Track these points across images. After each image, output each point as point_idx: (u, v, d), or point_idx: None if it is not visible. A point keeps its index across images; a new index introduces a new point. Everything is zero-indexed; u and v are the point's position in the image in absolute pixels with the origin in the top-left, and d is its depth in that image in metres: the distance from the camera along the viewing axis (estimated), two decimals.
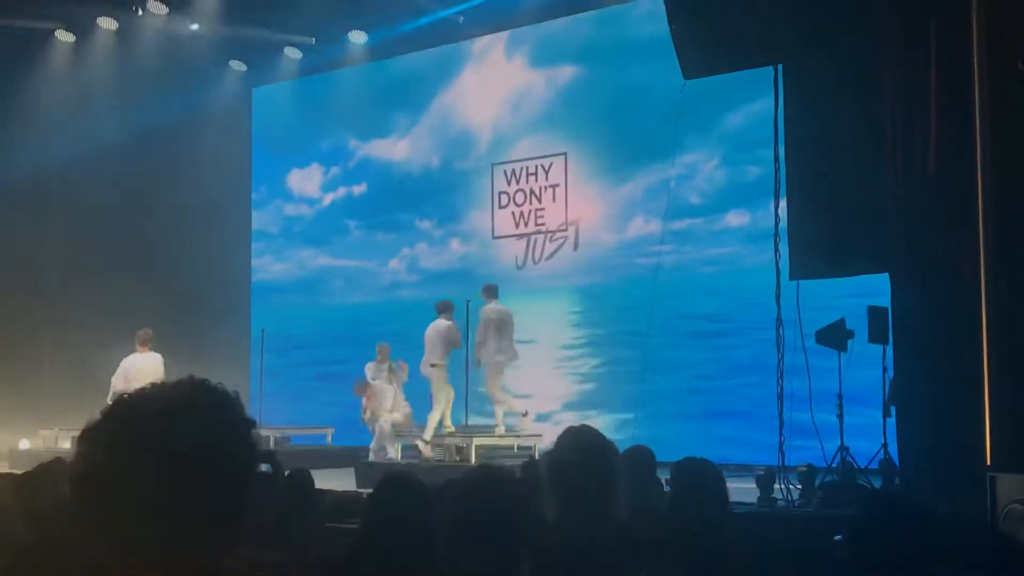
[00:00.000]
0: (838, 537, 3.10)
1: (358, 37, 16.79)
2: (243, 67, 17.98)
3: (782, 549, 3.31)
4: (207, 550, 1.62)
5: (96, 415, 1.70)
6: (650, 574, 3.22)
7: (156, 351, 13.24)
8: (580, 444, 3.34)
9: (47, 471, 3.82)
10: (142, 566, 1.57)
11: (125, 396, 1.72)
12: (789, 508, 8.49)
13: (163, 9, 15.97)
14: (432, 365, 12.30)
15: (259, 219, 19.00)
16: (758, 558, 4.36)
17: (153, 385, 1.74)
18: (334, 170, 18.27)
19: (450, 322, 12.47)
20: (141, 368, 12.52)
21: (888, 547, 2.94)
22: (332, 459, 13.36)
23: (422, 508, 3.45)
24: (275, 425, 14.95)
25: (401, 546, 3.33)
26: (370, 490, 3.74)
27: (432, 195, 17.05)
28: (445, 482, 3.33)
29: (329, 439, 15.41)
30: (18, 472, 4.33)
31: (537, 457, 9.31)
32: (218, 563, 1.63)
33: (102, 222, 16.92)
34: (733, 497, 8.47)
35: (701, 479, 4.31)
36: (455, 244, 16.84)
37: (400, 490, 3.60)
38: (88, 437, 1.67)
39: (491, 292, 12.61)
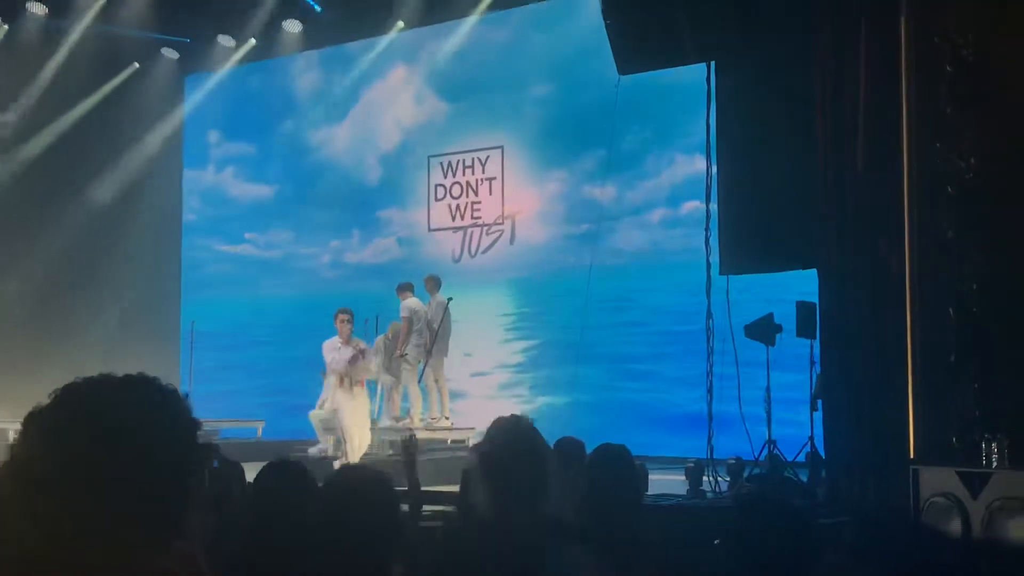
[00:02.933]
0: (717, 541, 3.12)
1: (293, 26, 16.64)
2: (175, 55, 17.74)
3: (707, 540, 3.35)
4: (142, 545, 1.61)
5: (43, 401, 1.69)
6: (569, 562, 3.23)
7: (85, 345, 13.03)
8: (509, 435, 3.33)
9: None
10: (74, 556, 1.56)
11: (74, 384, 1.70)
12: (717, 500, 8.59)
13: None
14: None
15: (190, 210, 18.77)
16: (684, 548, 4.40)
17: (102, 376, 1.73)
18: (268, 160, 18.09)
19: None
20: None
21: (761, 551, 2.97)
22: (262, 453, 13.22)
23: (304, 495, 3.45)
24: (204, 418, 14.78)
25: (280, 533, 3.33)
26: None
27: (367, 187, 16.96)
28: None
29: (259, 432, 15.27)
30: None
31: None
32: (151, 558, 1.62)
33: (27, 211, 16.57)
34: (663, 489, 8.64)
35: (616, 466, 4.35)
36: (390, 237, 16.77)
37: (282, 477, 3.60)
38: (32, 422, 1.66)
39: (404, 288, 12.81)
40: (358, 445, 11.20)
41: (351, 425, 11.24)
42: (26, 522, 1.59)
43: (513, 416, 3.54)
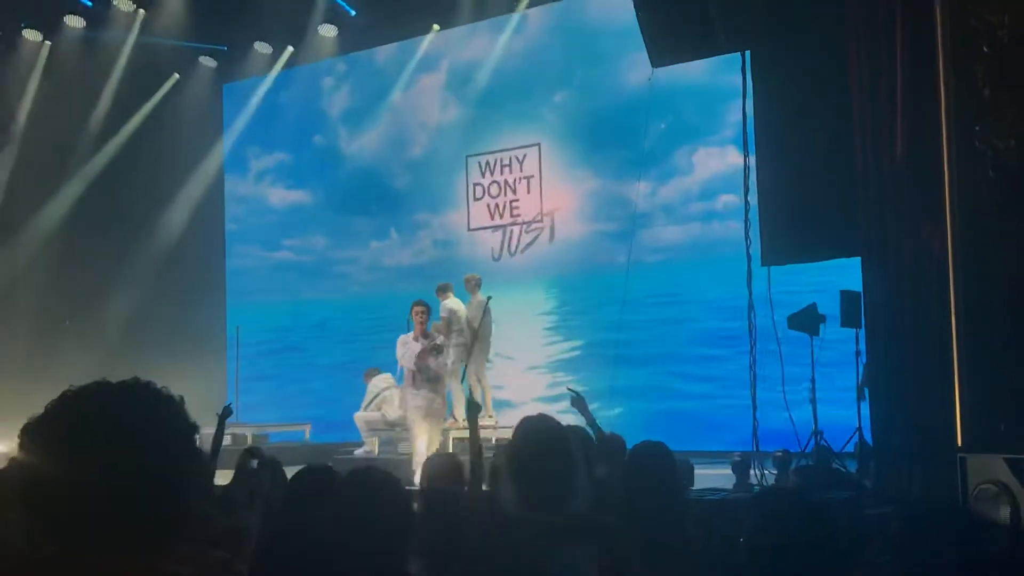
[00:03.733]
0: (741, 540, 3.07)
1: (328, 31, 16.73)
2: (213, 63, 17.91)
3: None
4: (142, 550, 1.61)
5: (40, 410, 1.69)
6: (607, 560, 3.22)
7: (132, 351, 13.16)
8: (534, 433, 3.33)
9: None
10: (74, 563, 1.56)
11: (70, 392, 1.71)
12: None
13: (131, 6, 15.91)
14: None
15: (232, 218, 18.91)
16: (729, 543, 4.36)
17: (98, 384, 1.73)
18: (305, 165, 18.19)
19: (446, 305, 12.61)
20: None
21: (785, 548, 2.92)
22: (310, 455, 13.32)
23: (326, 500, 3.46)
24: (252, 423, 14.91)
25: (304, 538, 3.34)
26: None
27: (406, 188, 17.01)
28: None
29: (307, 435, 15.36)
30: None
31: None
32: (156, 564, 1.62)
33: (76, 220, 16.82)
34: (709, 484, 8.59)
35: (654, 464, 4.32)
36: (429, 237, 16.81)
37: (314, 482, 3.61)
38: (29, 431, 1.67)
39: (443, 289, 12.77)
40: (424, 446, 10.55)
41: (415, 424, 10.75)
42: (25, 530, 1.60)
43: (539, 415, 3.54)
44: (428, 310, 11.01)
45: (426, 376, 10.69)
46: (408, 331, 11.12)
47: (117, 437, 1.64)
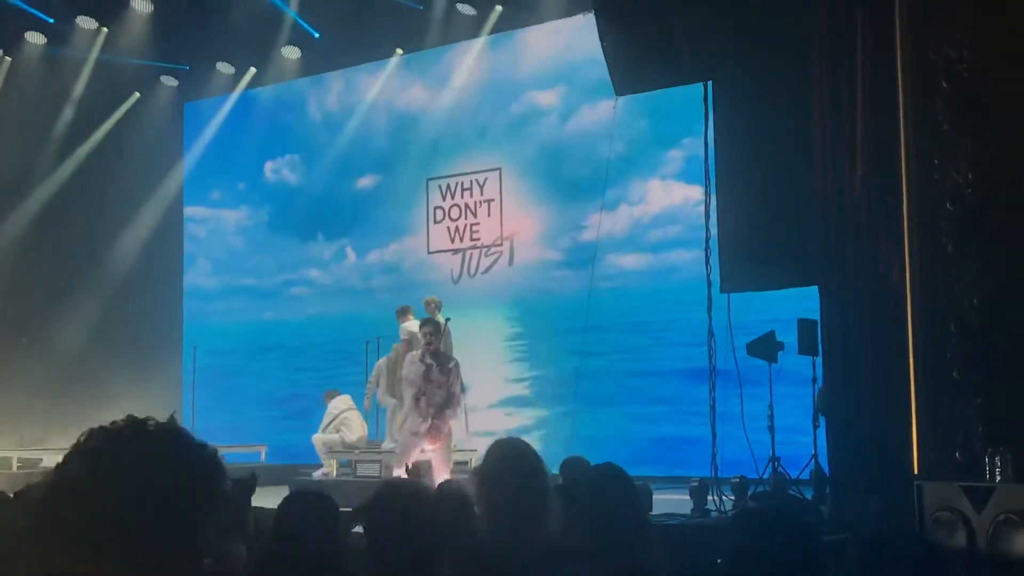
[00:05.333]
0: (720, 561, 3.11)
1: (292, 52, 16.73)
2: (174, 82, 17.84)
3: (712, 559, 3.35)
4: None
5: (72, 447, 1.73)
6: None
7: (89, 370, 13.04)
8: (506, 457, 3.35)
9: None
10: None
11: (101, 428, 1.74)
12: (721, 519, 8.58)
13: (92, 24, 15.83)
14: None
15: (190, 235, 18.80)
16: (689, 568, 4.40)
17: (130, 420, 1.77)
18: (265, 186, 18.13)
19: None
20: None
21: (762, 565, 2.96)
22: (266, 477, 13.21)
23: (330, 522, 3.46)
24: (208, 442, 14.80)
25: (306, 560, 3.33)
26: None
27: (366, 210, 16.99)
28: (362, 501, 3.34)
29: (263, 456, 15.26)
30: None
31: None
32: None
33: (33, 238, 16.67)
34: (667, 508, 8.64)
35: (612, 486, 4.34)
36: (389, 259, 16.79)
37: (306, 505, 3.60)
38: (62, 466, 1.71)
39: (403, 311, 12.78)
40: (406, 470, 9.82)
41: (407, 451, 10.08)
42: (52, 563, 1.63)
43: (510, 438, 3.56)
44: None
45: (430, 401, 10.00)
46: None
47: (151, 482, 1.68)
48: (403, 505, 2.99)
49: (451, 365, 10.09)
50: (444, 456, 10.09)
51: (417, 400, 9.94)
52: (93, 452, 1.71)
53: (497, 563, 3.07)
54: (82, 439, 1.72)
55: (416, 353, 10.21)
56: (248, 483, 5.04)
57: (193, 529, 1.72)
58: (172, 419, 1.81)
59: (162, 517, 1.67)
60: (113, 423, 1.75)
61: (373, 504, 3.06)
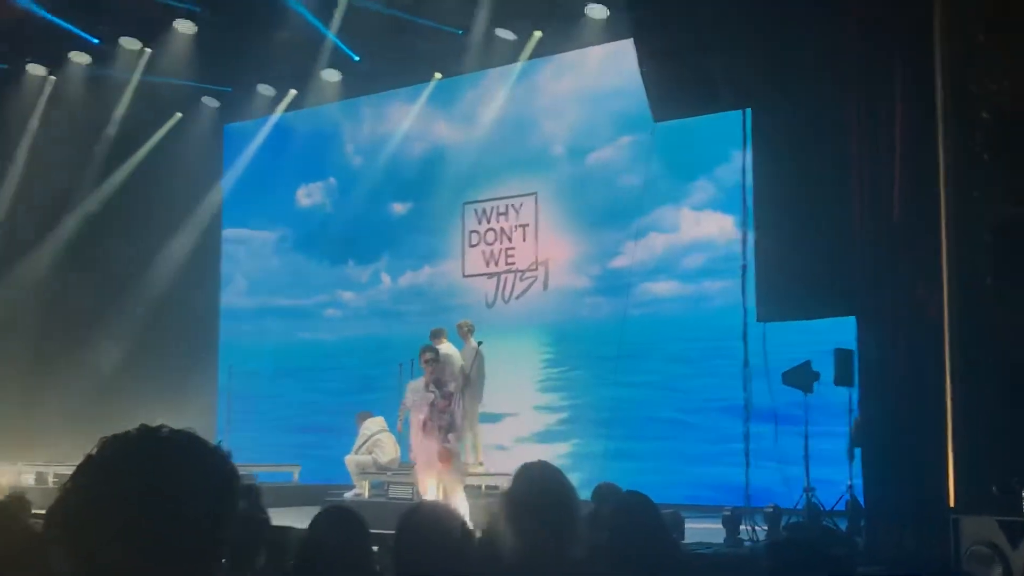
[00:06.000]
0: None
1: (332, 75, 16.86)
2: (216, 103, 18.02)
3: None
4: None
5: (84, 457, 1.73)
6: None
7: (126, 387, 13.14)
8: (534, 481, 3.34)
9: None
10: None
11: (114, 437, 1.74)
12: (754, 548, 8.51)
13: (136, 44, 16.03)
14: None
15: (228, 255, 18.95)
16: None
17: (144, 429, 1.77)
18: (306, 206, 18.25)
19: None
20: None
21: None
22: (300, 497, 13.26)
23: (360, 541, 3.46)
24: (241, 462, 14.85)
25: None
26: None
27: (402, 233, 17.06)
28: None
29: (296, 477, 15.31)
30: None
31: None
32: None
33: (74, 255, 16.88)
34: (700, 538, 8.59)
35: (641, 514, 4.33)
36: (424, 282, 16.84)
37: (337, 523, 3.60)
38: (78, 474, 1.70)
39: (437, 334, 12.78)
40: (432, 495, 10.08)
41: (422, 473, 10.42)
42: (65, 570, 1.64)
43: (539, 461, 3.54)
44: (437, 356, 10.70)
45: (438, 424, 10.32)
46: (414, 377, 10.92)
47: (166, 489, 1.68)
48: (434, 528, 2.99)
49: (451, 390, 10.45)
50: (456, 477, 10.39)
51: (424, 425, 10.31)
52: (104, 460, 1.71)
53: None
54: (95, 449, 1.73)
55: (418, 381, 10.62)
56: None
57: (209, 536, 1.72)
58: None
59: (176, 524, 1.67)
60: (126, 431, 1.75)
61: (403, 526, 3.07)
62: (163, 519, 1.66)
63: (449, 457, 10.29)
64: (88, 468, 1.70)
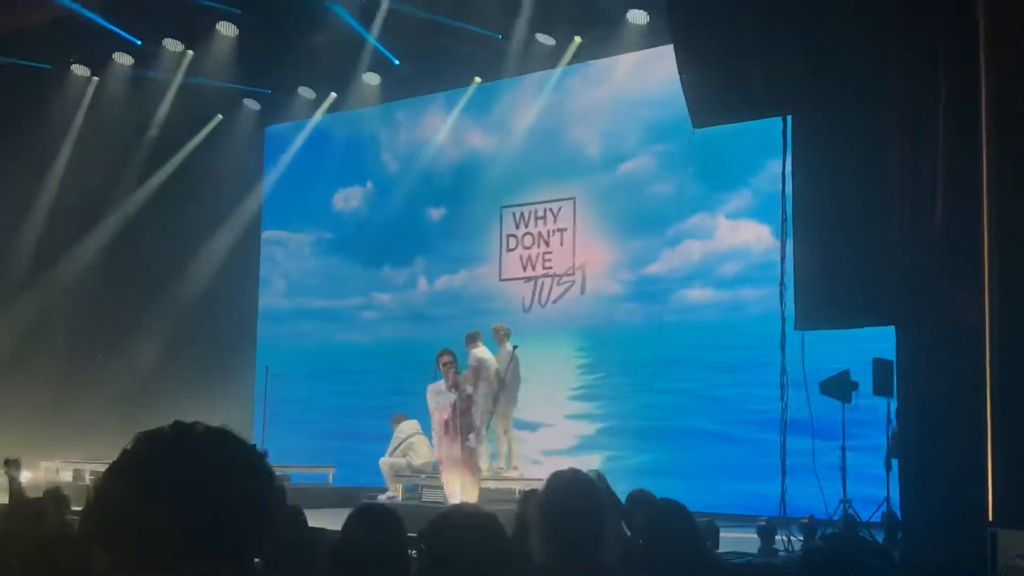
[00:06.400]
0: None
1: (372, 79, 16.92)
2: (257, 105, 18.14)
3: None
4: None
5: (119, 453, 1.72)
6: None
7: (162, 386, 13.22)
8: (567, 487, 3.33)
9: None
10: None
11: (147, 433, 1.74)
12: (789, 558, 8.44)
13: (179, 46, 16.17)
14: None
15: (268, 256, 19.06)
16: None
17: (178, 426, 1.76)
18: (345, 209, 18.33)
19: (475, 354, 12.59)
20: None
21: None
22: (334, 499, 13.30)
23: (396, 540, 3.45)
24: (276, 463, 14.91)
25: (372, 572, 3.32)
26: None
27: (440, 236, 17.10)
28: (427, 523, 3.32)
29: (330, 478, 15.36)
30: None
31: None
32: None
33: (113, 255, 17.06)
34: (734, 547, 8.53)
35: (675, 521, 4.31)
36: (461, 286, 16.86)
37: (372, 521, 3.60)
38: (112, 470, 1.70)
39: (472, 338, 12.78)
40: (457, 496, 10.42)
41: (447, 473, 10.69)
42: (102, 569, 1.63)
43: (572, 469, 3.54)
44: (454, 360, 10.91)
45: (460, 426, 10.59)
46: (434, 379, 11.08)
47: (201, 484, 1.67)
48: (468, 529, 2.98)
49: (469, 391, 10.84)
50: (475, 479, 10.73)
51: (447, 427, 10.62)
52: (138, 457, 1.70)
53: None
54: (128, 445, 1.73)
55: (439, 384, 10.86)
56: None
57: (245, 535, 1.70)
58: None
59: (211, 522, 1.66)
60: (160, 428, 1.74)
61: (438, 527, 3.06)
62: (197, 517, 1.65)
63: (471, 459, 10.62)
64: (122, 465, 1.70)
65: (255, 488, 1.73)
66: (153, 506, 1.64)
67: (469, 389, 10.93)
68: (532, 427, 14.62)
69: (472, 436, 10.61)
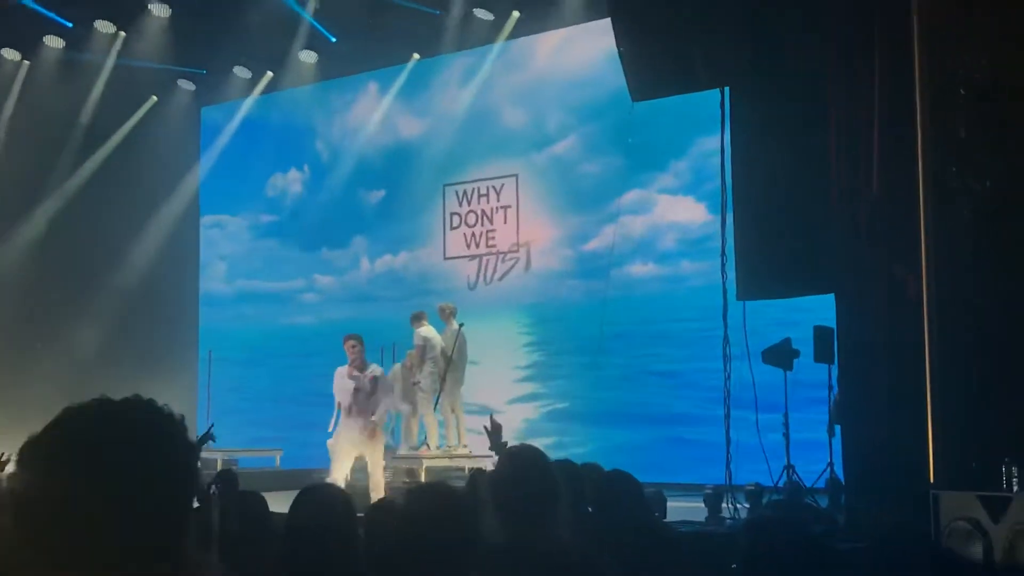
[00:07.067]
0: (734, 566, 3.10)
1: (309, 57, 16.75)
2: (191, 86, 17.89)
3: (726, 566, 3.36)
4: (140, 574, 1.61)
5: (38, 429, 1.68)
6: None
7: (103, 374, 13.05)
8: (521, 463, 3.34)
9: None
10: None
11: (70, 409, 1.70)
12: (736, 526, 8.54)
13: (111, 28, 15.90)
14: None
15: (207, 239, 18.86)
16: (703, 573, 4.39)
17: (99, 401, 1.73)
18: (284, 190, 18.17)
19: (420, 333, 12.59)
20: None
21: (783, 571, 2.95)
22: (281, 482, 13.20)
23: (345, 519, 3.44)
24: (222, 447, 14.80)
25: (322, 558, 3.32)
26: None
27: (382, 216, 17.01)
28: (386, 502, 3.32)
29: (277, 461, 15.27)
30: None
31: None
32: None
33: (50, 241, 16.75)
34: (681, 516, 8.61)
35: (623, 492, 4.35)
36: (405, 265, 16.80)
37: (321, 502, 3.59)
38: (28, 448, 1.66)
39: (417, 317, 12.76)
40: (343, 476, 10.51)
41: (339, 453, 10.71)
42: (22, 553, 1.59)
43: (523, 444, 3.55)
44: (360, 342, 10.78)
45: (362, 409, 10.52)
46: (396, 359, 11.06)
47: (117, 456, 1.63)
48: (435, 505, 2.96)
49: (373, 375, 10.65)
50: (381, 454, 10.76)
51: (349, 410, 10.52)
52: (60, 425, 1.67)
53: (506, 568, 3.05)
54: (52, 421, 1.68)
55: (344, 368, 10.68)
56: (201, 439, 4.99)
57: (170, 509, 1.68)
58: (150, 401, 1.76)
59: (134, 495, 1.62)
60: (86, 402, 1.70)
61: (405, 503, 3.04)
62: (119, 490, 1.61)
63: (375, 432, 10.56)
64: (37, 443, 1.66)
65: (179, 460, 1.70)
66: (71, 481, 1.61)
67: (376, 372, 10.81)
68: (480, 412, 14.62)
69: (378, 414, 10.54)
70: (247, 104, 17.99)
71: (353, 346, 10.69)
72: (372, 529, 3.63)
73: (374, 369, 10.85)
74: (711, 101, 9.71)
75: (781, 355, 9.60)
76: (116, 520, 1.60)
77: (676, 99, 10.87)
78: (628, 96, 9.81)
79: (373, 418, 10.47)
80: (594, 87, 14.63)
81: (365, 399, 10.55)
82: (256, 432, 16.13)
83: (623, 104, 10.32)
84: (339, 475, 10.46)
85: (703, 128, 10.83)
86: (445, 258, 16.30)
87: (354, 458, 10.69)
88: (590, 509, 4.55)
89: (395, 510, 3.10)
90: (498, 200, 15.84)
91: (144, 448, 1.66)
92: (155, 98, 17.66)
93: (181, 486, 1.70)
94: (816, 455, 9.76)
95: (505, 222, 15.78)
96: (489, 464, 11.76)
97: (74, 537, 1.59)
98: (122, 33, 16.04)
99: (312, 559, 3.33)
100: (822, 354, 9.22)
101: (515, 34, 15.57)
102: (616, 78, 10.11)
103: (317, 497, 3.72)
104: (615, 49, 9.60)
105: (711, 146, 9.85)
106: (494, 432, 5.15)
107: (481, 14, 15.22)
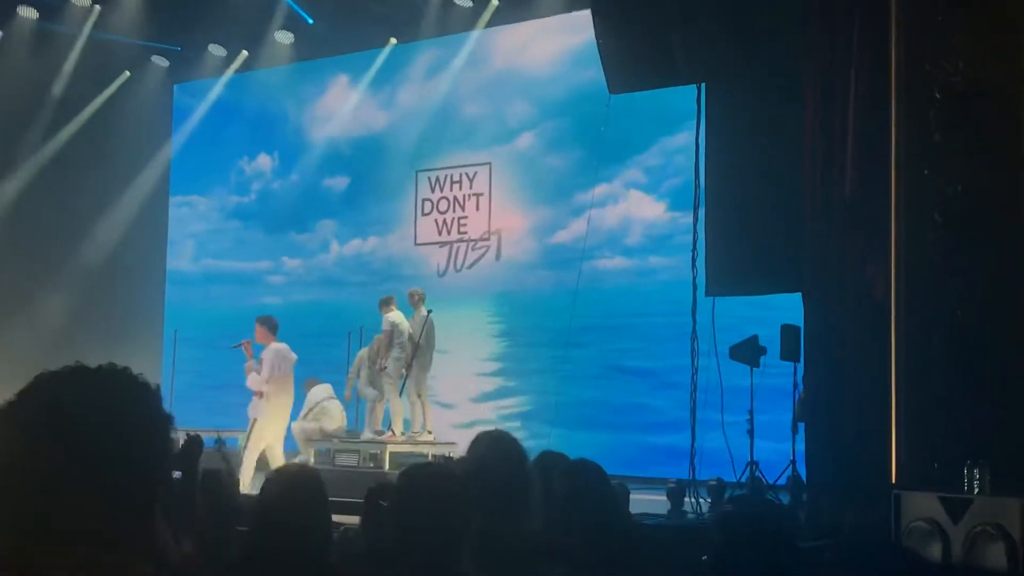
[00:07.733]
0: (704, 557, 3.12)
1: (285, 37, 16.63)
2: (165, 63, 17.72)
3: (690, 558, 3.37)
4: (115, 546, 1.59)
5: (10, 396, 1.66)
6: None
7: (68, 351, 12.91)
8: (494, 449, 3.33)
9: None
10: (45, 559, 1.54)
11: (43, 376, 1.68)
12: (697, 521, 8.58)
13: (86, 1, 15.73)
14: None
15: (176, 217, 18.71)
16: (667, 565, 4.40)
17: (73, 368, 1.71)
18: (256, 170, 18.06)
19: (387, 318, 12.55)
20: None
21: (744, 567, 2.97)
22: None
23: (316, 500, 3.43)
24: (186, 427, 14.70)
25: (294, 540, 3.29)
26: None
27: (353, 200, 16.94)
28: (377, 484, 3.30)
29: (241, 442, 15.16)
30: None
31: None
32: (125, 561, 1.60)
33: (18, 214, 16.57)
34: (644, 509, 8.63)
35: (589, 481, 4.34)
36: (375, 250, 16.74)
37: (292, 483, 3.57)
38: (1, 417, 1.64)
39: (386, 302, 12.74)
40: (250, 464, 11.54)
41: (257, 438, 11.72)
42: None
43: (497, 430, 3.54)
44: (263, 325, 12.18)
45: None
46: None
47: (92, 422, 1.62)
48: (432, 487, 2.94)
49: (264, 356, 11.89)
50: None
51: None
52: (33, 396, 1.65)
53: (492, 552, 3.04)
54: (25, 387, 1.67)
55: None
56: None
57: (143, 476, 1.66)
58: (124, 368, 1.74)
59: (107, 462, 1.61)
60: (57, 369, 1.69)
61: (401, 484, 3.01)
62: (92, 456, 1.60)
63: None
64: (7, 410, 1.64)
65: (154, 428, 1.68)
66: (39, 448, 1.58)
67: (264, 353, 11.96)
68: (447, 405, 14.60)
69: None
70: (221, 82, 17.82)
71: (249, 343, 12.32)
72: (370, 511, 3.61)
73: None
74: (680, 98, 9.75)
75: (748, 352, 9.63)
76: (91, 487, 1.58)
77: (646, 96, 10.90)
78: (600, 90, 9.82)
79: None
80: (571, 78, 14.61)
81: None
82: (220, 412, 16.01)
83: (598, 97, 10.31)
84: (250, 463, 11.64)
85: (671, 125, 10.86)
86: (416, 244, 16.25)
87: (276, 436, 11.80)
88: (557, 496, 4.54)
89: (397, 490, 3.08)
90: (471, 187, 15.81)
91: (120, 415, 1.64)
92: (128, 73, 17.46)
93: (156, 455, 1.68)
94: (782, 453, 9.80)
95: (477, 209, 15.74)
96: (452, 451, 11.77)
97: (49, 503, 1.57)
98: (97, 6, 15.84)
99: (282, 540, 3.31)
100: (788, 352, 9.26)
101: (493, 22, 15.51)
102: (593, 69, 10.10)
103: (286, 478, 3.70)
104: (588, 43, 9.61)
105: (678, 143, 9.87)
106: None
107: (460, 1, 15.16)
